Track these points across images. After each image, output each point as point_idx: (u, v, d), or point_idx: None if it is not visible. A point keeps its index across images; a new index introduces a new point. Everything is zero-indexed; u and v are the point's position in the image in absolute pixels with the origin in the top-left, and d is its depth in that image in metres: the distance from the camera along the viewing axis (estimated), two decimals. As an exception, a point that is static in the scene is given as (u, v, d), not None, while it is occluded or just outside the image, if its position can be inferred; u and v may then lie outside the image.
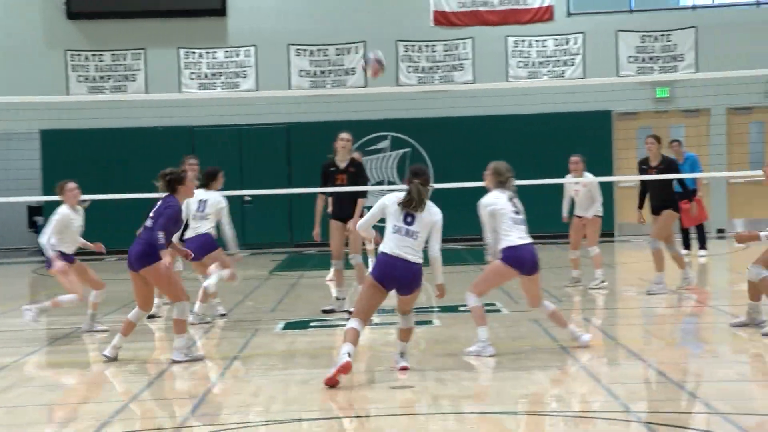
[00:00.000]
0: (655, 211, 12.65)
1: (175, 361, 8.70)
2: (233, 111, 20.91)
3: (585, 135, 21.47)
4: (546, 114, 21.53)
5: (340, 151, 11.63)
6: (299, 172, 21.92)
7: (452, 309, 11.57)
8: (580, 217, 13.42)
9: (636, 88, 21.37)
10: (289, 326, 10.85)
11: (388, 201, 8.05)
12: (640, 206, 12.91)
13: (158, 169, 9.01)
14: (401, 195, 8.04)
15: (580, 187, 13.29)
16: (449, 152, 21.49)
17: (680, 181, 13.01)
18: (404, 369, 8.11)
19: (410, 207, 7.90)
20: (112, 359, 8.87)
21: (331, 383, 7.56)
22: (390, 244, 7.92)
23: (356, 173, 11.63)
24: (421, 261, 7.96)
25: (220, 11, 22.50)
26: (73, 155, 21.88)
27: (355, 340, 7.87)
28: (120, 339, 8.92)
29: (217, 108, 20.85)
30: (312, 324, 10.96)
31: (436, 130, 21.97)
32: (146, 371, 8.54)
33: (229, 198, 11.58)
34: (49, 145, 22.00)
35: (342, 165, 11.62)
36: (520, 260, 8.60)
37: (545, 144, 21.93)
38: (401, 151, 22.32)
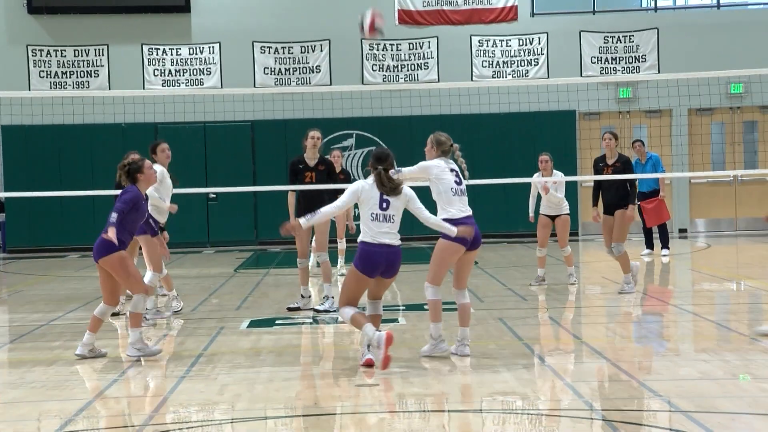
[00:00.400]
0: (609, 209, 12.51)
1: (130, 357, 8.74)
2: (198, 108, 20.83)
3: (549, 134, 21.64)
4: (510, 113, 21.64)
5: (310, 149, 11.60)
6: (264, 169, 21.90)
7: (418, 307, 11.61)
8: (547, 216, 13.43)
9: (599, 88, 21.52)
10: (254, 324, 10.83)
11: (360, 187, 8.19)
12: (596, 203, 12.82)
13: (122, 167, 9.03)
14: (372, 182, 8.19)
15: (549, 185, 13.30)
16: (414, 151, 21.41)
17: (632, 182, 12.74)
18: (369, 363, 8.05)
19: (385, 191, 8.09)
20: (86, 357, 8.84)
21: (387, 362, 7.81)
22: (370, 233, 8.06)
23: (326, 171, 11.60)
24: (400, 243, 8.16)
25: (184, 8, 22.39)
26: (35, 151, 21.71)
27: (366, 319, 8.10)
28: (89, 336, 8.91)
29: (182, 105, 20.74)
30: (277, 322, 10.95)
31: (400, 128, 22.00)
32: (111, 369, 8.49)
33: (194, 195, 11.53)
34: (11, 141, 21.80)
35: (311, 163, 11.59)
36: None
37: (510, 143, 22.07)
38: (366, 150, 22.32)
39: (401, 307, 11.87)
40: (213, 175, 21.56)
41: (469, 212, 8.53)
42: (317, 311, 11.42)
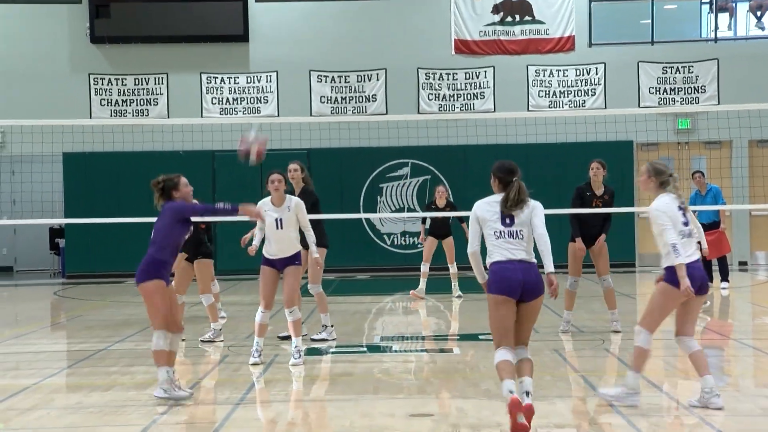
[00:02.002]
0: (588, 241, 11.99)
1: (157, 397, 8.18)
2: (255, 136, 20.96)
3: (606, 165, 21.42)
4: (567, 143, 21.52)
5: (293, 183, 11.71)
6: (320, 197, 21.87)
7: (473, 337, 11.54)
8: None
9: (657, 119, 21.34)
10: (309, 352, 10.82)
11: (476, 208, 7.22)
12: (579, 234, 11.99)
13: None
14: (492, 198, 7.21)
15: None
16: (469, 180, 21.49)
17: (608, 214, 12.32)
18: (529, 407, 6.90)
19: (511, 206, 7.10)
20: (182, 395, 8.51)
21: (521, 430, 6.73)
22: (499, 251, 7.04)
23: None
24: (535, 261, 7.09)
25: (243, 37, 22.65)
26: (95, 178, 22.02)
27: (513, 373, 6.98)
28: (166, 372, 8.35)
29: (239, 133, 20.85)
30: (332, 350, 10.93)
31: (456, 157, 21.99)
32: (166, 395, 8.52)
33: (250, 222, 11.59)
34: (72, 168, 22.12)
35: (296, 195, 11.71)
36: (690, 279, 7.57)
37: (566, 173, 21.90)
38: (421, 179, 22.34)
39: (456, 337, 11.80)
40: (269, 203, 21.68)
41: (697, 255, 7.73)
42: (313, 339, 11.42)
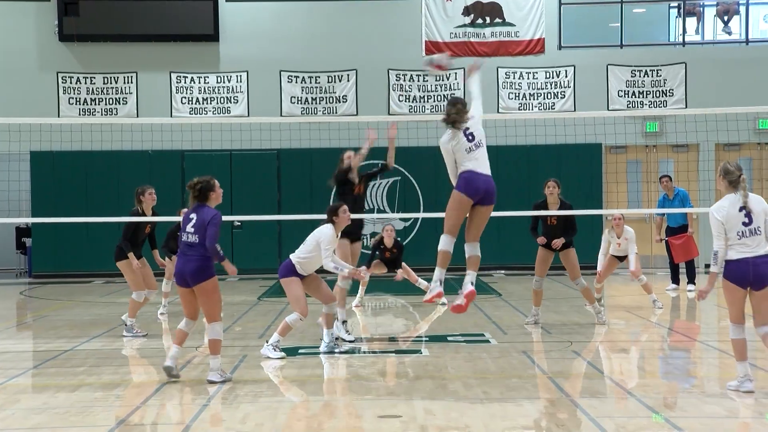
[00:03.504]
0: (552, 247, 12.61)
1: (211, 382, 8.85)
2: (224, 136, 20.94)
3: (575, 167, 21.58)
4: (536, 146, 21.62)
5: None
6: (289, 198, 21.96)
7: (441, 339, 11.56)
8: (617, 257, 14.34)
9: (626, 121, 21.48)
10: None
11: (444, 140, 8.62)
12: (536, 235, 12.74)
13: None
14: (449, 131, 8.65)
15: (622, 240, 14.16)
16: (439, 182, 21.50)
17: (573, 224, 12.70)
18: (439, 296, 8.59)
19: (452, 122, 8.61)
20: (175, 373, 8.95)
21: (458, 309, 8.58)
22: (470, 165, 8.54)
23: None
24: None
25: (213, 36, 22.57)
26: (63, 177, 21.87)
27: (445, 262, 8.59)
28: (177, 350, 9.00)
29: (209, 133, 20.87)
30: (300, 351, 10.93)
31: (426, 159, 22.01)
32: (134, 396, 8.50)
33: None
34: (39, 167, 21.96)
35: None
36: (740, 275, 8.06)
37: (535, 175, 22.00)
38: (391, 180, 22.36)
39: (424, 339, 11.83)
40: (238, 203, 21.61)
41: (756, 252, 8.06)
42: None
